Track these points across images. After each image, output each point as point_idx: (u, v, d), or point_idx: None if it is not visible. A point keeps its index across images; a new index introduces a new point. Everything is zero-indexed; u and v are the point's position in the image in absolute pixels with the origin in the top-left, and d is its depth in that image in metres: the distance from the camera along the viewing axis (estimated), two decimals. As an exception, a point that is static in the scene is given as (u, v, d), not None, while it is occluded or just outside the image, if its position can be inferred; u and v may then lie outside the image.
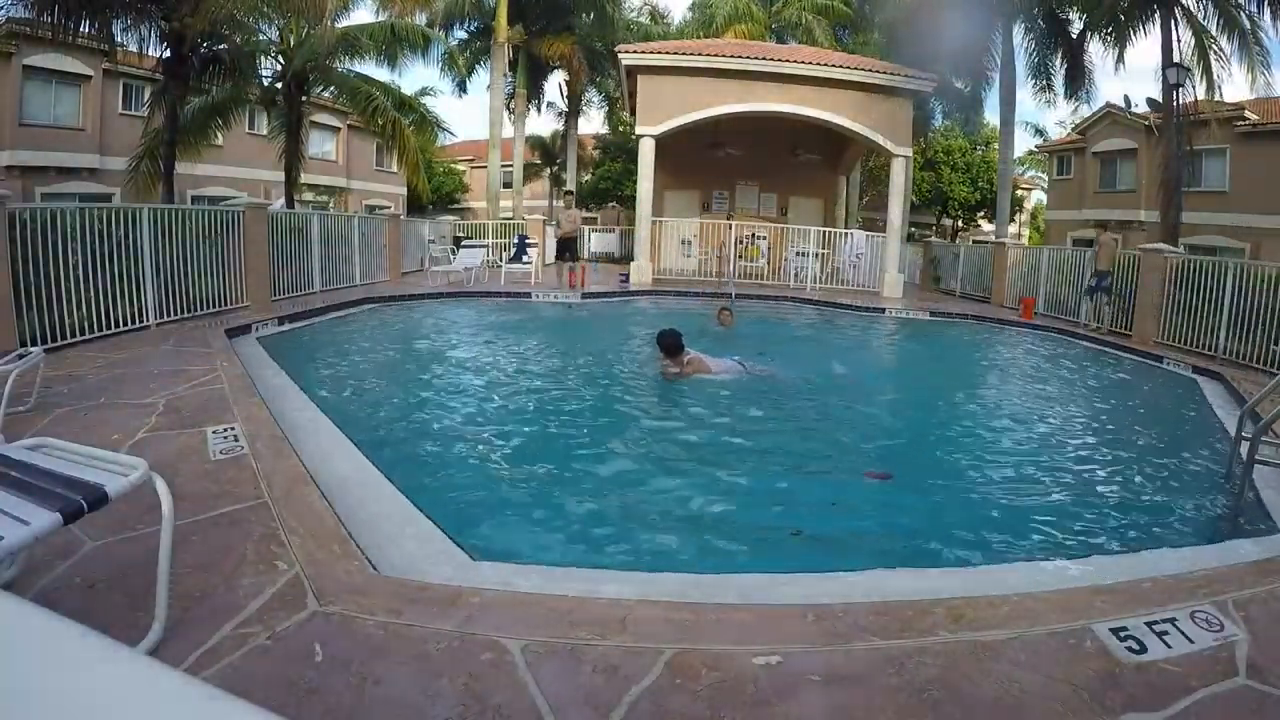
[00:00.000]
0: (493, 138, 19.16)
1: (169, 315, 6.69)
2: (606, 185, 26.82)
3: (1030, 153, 35.34)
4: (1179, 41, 13.69)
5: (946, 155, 28.05)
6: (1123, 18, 14.25)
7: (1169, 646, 2.00)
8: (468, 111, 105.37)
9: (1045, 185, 31.05)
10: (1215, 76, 13.74)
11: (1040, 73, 17.20)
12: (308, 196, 22.57)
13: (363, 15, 15.63)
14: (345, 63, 13.42)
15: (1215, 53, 13.69)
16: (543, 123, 46.32)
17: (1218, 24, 13.70)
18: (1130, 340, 8.87)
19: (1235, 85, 16.06)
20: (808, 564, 2.83)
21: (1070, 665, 1.90)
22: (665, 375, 5.87)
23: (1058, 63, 16.93)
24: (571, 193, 12.66)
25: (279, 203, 14.11)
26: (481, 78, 22.80)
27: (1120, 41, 14.88)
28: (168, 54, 10.25)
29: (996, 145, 22.67)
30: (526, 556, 2.76)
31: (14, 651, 0.54)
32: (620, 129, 27.01)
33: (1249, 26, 13.49)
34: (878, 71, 13.54)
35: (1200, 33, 13.69)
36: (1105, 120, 22.86)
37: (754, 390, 5.79)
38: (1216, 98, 14.19)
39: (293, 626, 1.93)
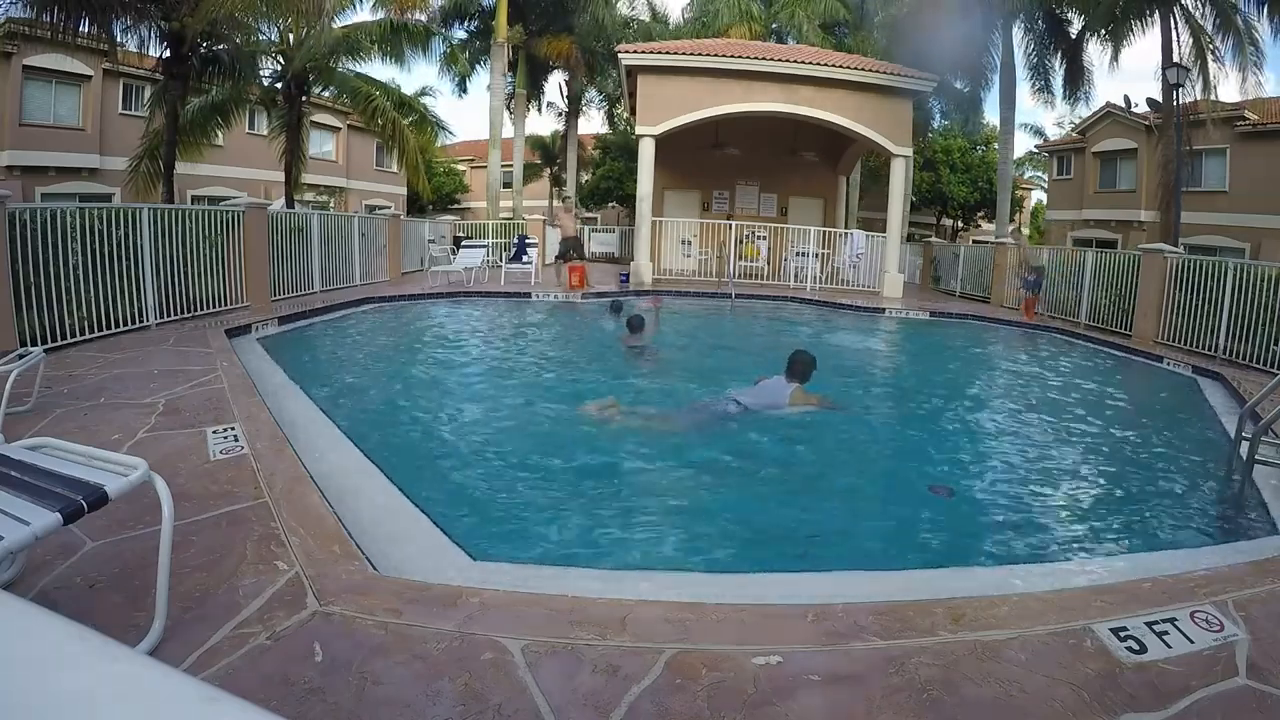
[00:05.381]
0: (493, 138, 19.15)
1: (169, 315, 6.69)
2: (607, 185, 26.81)
3: (1030, 153, 35.38)
4: (1178, 42, 13.72)
5: (945, 155, 28.02)
6: (1119, 15, 14.25)
7: (1169, 646, 2.00)
8: (468, 112, 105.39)
9: (1045, 185, 31.07)
10: (1212, 77, 13.79)
11: (1039, 73, 17.22)
12: (308, 196, 22.56)
13: (363, 16, 15.67)
14: (345, 63, 13.43)
15: (1212, 53, 13.73)
16: (543, 123, 46.42)
17: (1214, 24, 13.74)
18: (1130, 340, 8.87)
19: (1231, 85, 16.07)
20: (808, 564, 2.83)
21: (1070, 665, 1.90)
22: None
23: (1057, 63, 16.96)
24: (569, 196, 12.65)
25: (279, 202, 14.11)
26: (481, 78, 22.84)
27: (1118, 42, 14.91)
28: (168, 54, 10.25)
29: (996, 145, 22.69)
30: (527, 556, 2.77)
31: (14, 651, 0.54)
32: (620, 129, 27.00)
33: (1244, 27, 13.54)
34: (878, 71, 13.54)
35: (1199, 33, 13.72)
36: (1105, 120, 22.87)
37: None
38: (1213, 98, 14.23)
39: (293, 626, 1.93)
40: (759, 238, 15.34)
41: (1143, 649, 1.98)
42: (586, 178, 28.16)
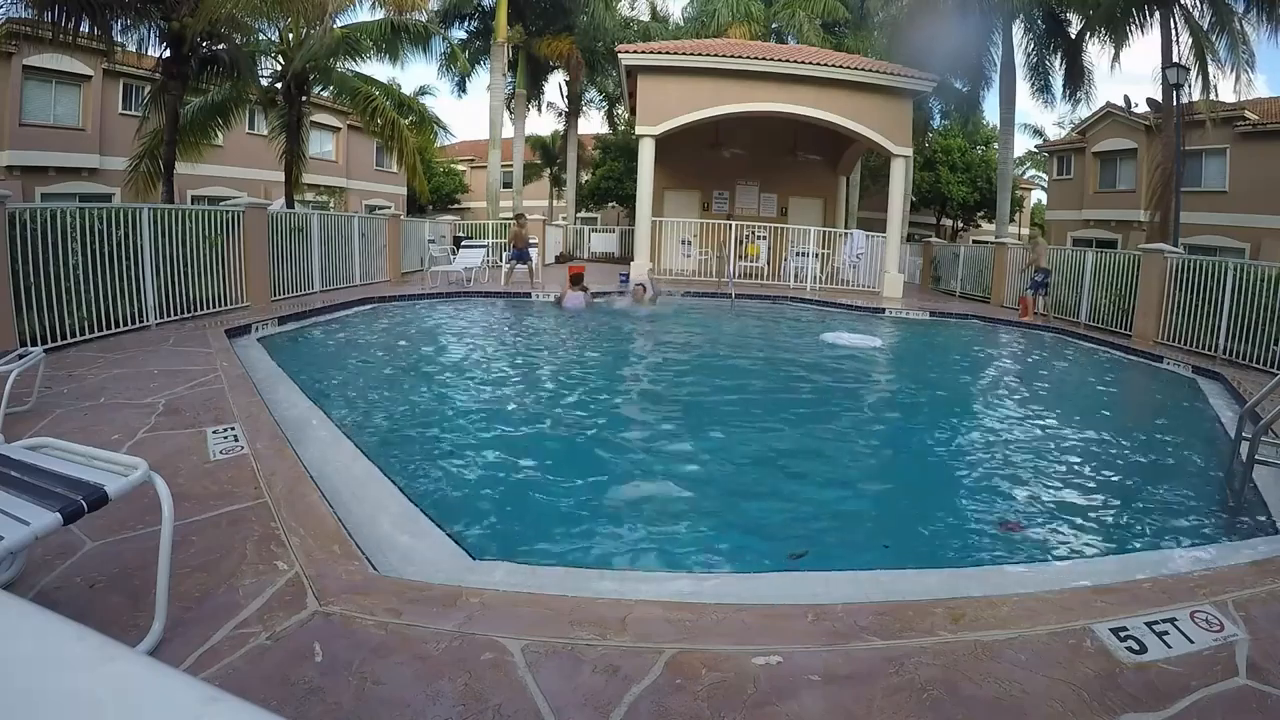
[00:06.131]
0: (493, 138, 19.15)
1: (169, 315, 6.69)
2: (607, 185, 26.81)
3: (1030, 153, 35.39)
4: (1178, 42, 13.74)
5: (945, 155, 28.00)
6: (1119, 15, 14.27)
7: (1169, 646, 2.00)
8: (468, 112, 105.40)
9: (1045, 185, 31.07)
10: (1210, 77, 13.83)
11: (1039, 73, 17.24)
12: (308, 196, 22.56)
13: (363, 15, 15.54)
14: (345, 63, 13.43)
15: (1210, 54, 13.77)
16: (543, 123, 46.46)
17: (1209, 23, 13.78)
18: (1130, 340, 8.87)
19: (1225, 86, 16.11)
20: (808, 564, 2.83)
21: (1070, 665, 1.90)
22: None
23: (1057, 63, 16.98)
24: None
25: (279, 203, 14.10)
26: (481, 78, 22.83)
27: (1118, 42, 14.92)
28: (167, 54, 10.24)
29: (996, 145, 22.68)
30: (527, 556, 2.77)
31: (14, 651, 0.54)
32: (620, 129, 27.00)
33: (1240, 28, 13.59)
34: (878, 71, 13.55)
35: (1198, 33, 13.74)
36: (1105, 120, 22.88)
37: (756, 386, 5.79)
38: (1212, 98, 14.28)
39: (293, 626, 1.94)
40: (759, 238, 15.34)
41: (1143, 649, 1.98)
42: (586, 178, 28.14)
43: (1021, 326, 10.56)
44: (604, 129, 28.94)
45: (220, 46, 11.36)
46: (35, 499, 1.74)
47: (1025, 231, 31.15)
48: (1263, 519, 3.43)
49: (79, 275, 5.67)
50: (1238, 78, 13.78)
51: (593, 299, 10.67)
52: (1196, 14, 13.89)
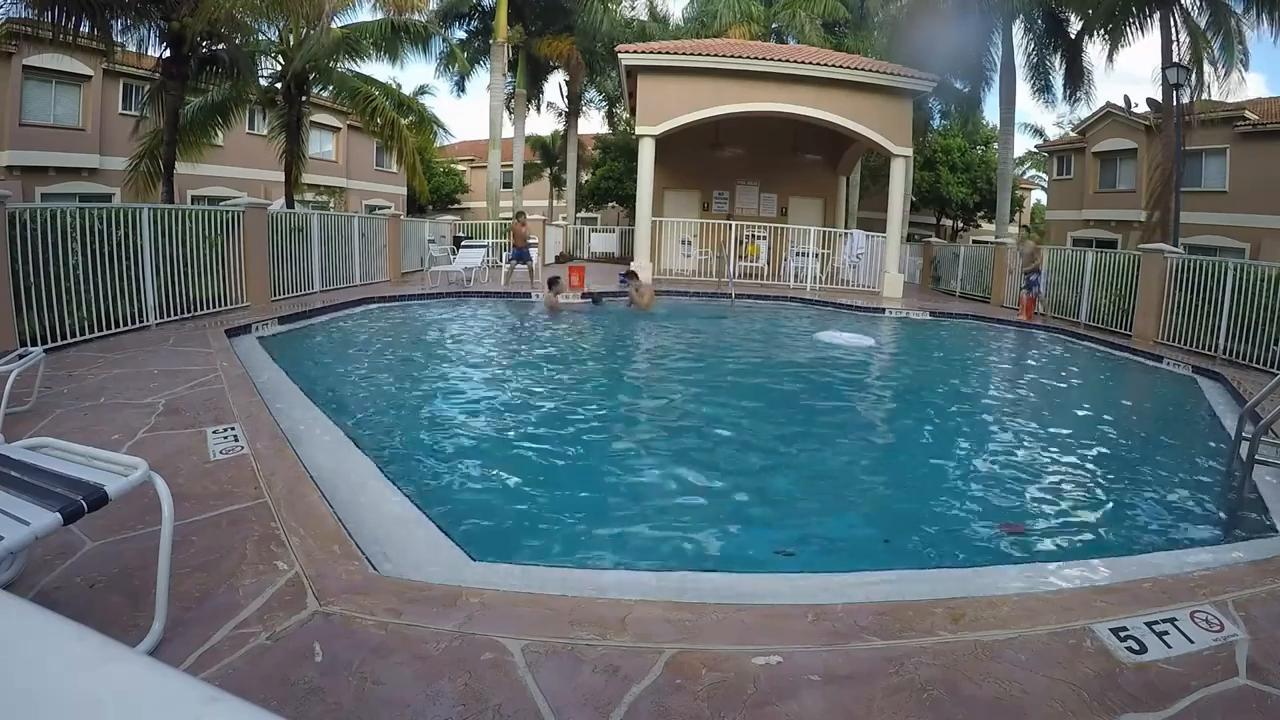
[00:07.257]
0: (493, 138, 19.15)
1: (169, 315, 6.69)
2: (607, 185, 26.83)
3: (1030, 153, 35.39)
4: (1178, 43, 13.75)
5: (945, 155, 27.98)
6: (1118, 14, 14.28)
7: (1169, 646, 2.00)
8: (468, 112, 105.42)
9: (1045, 185, 31.07)
10: (1206, 78, 13.87)
11: (1039, 73, 17.24)
12: (308, 196, 22.56)
13: (363, 15, 15.43)
14: (345, 63, 13.43)
15: (1208, 54, 13.81)
16: (543, 123, 46.44)
17: (1207, 21, 13.81)
18: (1130, 340, 8.87)
19: (1221, 85, 16.18)
20: (808, 564, 2.83)
21: (1070, 665, 1.90)
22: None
23: (1057, 63, 16.98)
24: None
25: (279, 203, 14.10)
26: (481, 78, 22.84)
27: (1115, 41, 14.94)
28: (167, 54, 10.25)
29: (995, 145, 22.69)
30: (527, 556, 2.77)
31: (14, 651, 0.54)
32: (620, 129, 27.00)
33: (1235, 28, 13.63)
34: (878, 71, 13.55)
35: (1196, 33, 13.76)
36: (1105, 120, 22.88)
37: (755, 385, 5.79)
38: (1214, 97, 14.32)
39: (293, 626, 1.94)
40: (759, 238, 15.34)
41: (1143, 649, 1.98)
42: (586, 178, 28.15)
43: (1021, 326, 10.55)
44: (604, 129, 28.96)
45: (220, 46, 11.36)
46: (35, 499, 1.74)
47: (1015, 230, 31.16)
48: (1263, 519, 3.42)
49: (79, 275, 5.68)
50: (1228, 75, 13.82)
51: (558, 299, 10.55)
52: (1195, 14, 13.91)
